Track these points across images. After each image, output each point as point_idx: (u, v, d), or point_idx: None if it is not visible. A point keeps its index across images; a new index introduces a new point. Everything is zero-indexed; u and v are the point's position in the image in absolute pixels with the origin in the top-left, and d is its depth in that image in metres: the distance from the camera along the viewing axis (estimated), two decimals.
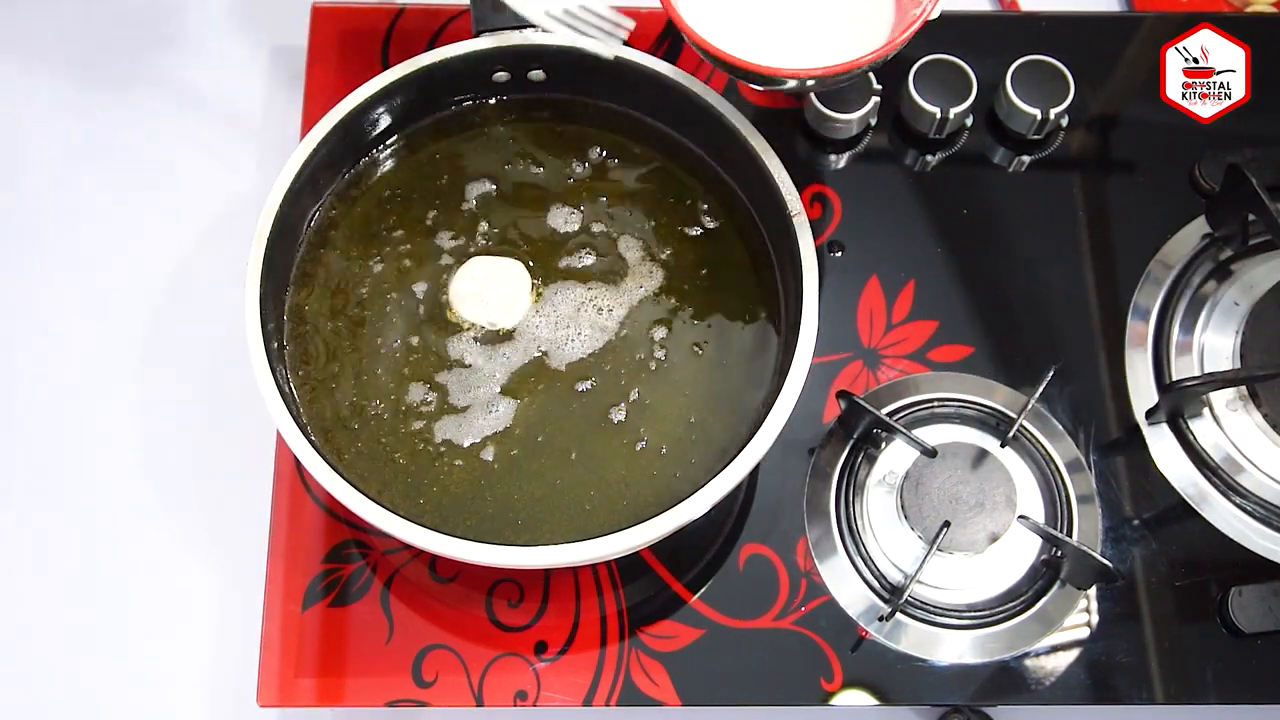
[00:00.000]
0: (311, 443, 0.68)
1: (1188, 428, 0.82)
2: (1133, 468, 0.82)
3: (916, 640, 0.78)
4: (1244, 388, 0.82)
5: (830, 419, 0.82)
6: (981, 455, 0.78)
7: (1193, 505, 0.81)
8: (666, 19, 0.91)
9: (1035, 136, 0.89)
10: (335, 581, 0.79)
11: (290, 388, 0.74)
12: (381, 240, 0.78)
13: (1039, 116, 0.87)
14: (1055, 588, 0.78)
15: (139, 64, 0.97)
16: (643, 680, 0.77)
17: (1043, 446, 0.82)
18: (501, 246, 0.79)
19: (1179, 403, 0.82)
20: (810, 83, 0.75)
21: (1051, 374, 0.80)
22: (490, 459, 0.74)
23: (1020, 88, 0.87)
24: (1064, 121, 0.89)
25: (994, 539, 0.76)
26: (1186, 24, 0.93)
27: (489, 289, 0.77)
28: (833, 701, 0.77)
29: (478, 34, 0.78)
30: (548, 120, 0.82)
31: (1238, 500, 0.81)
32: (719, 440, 0.74)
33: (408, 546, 0.67)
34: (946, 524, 0.76)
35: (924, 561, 0.76)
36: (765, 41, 0.75)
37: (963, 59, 0.87)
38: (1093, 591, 0.79)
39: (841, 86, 0.86)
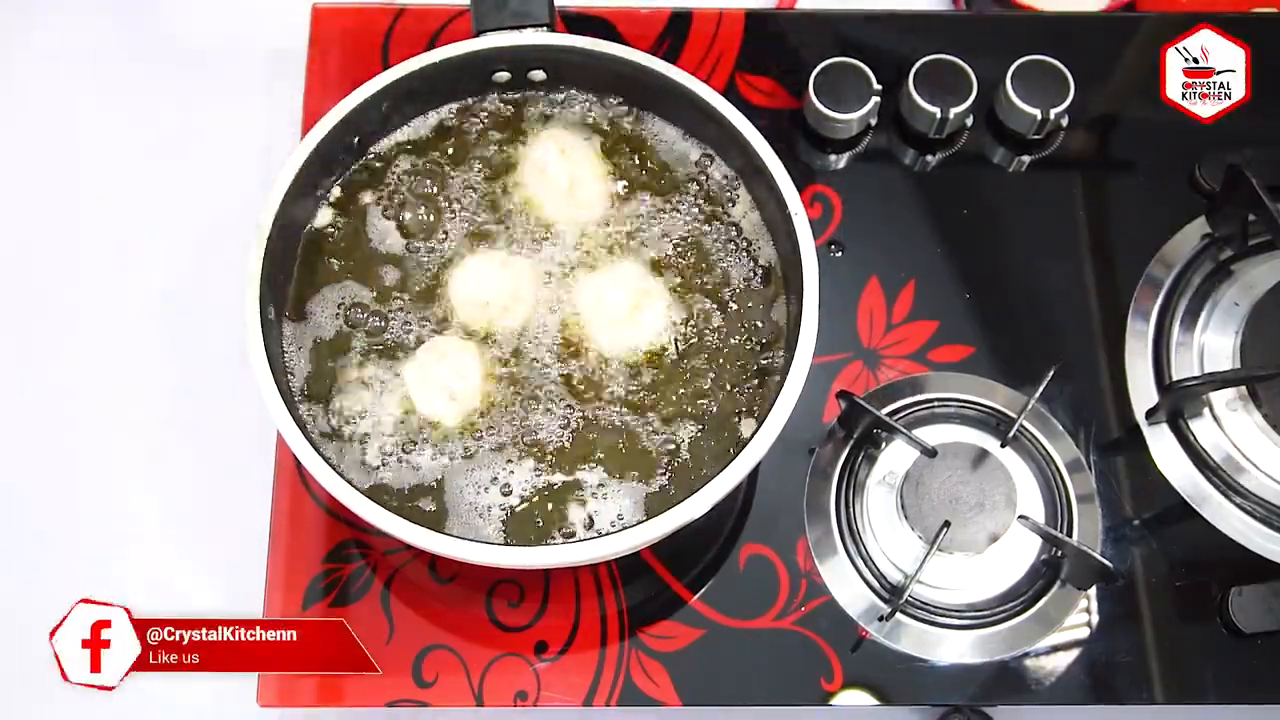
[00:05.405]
0: (311, 443, 0.68)
1: (1188, 428, 0.82)
2: (1133, 468, 0.82)
3: (916, 640, 0.78)
4: (1244, 388, 0.82)
5: (830, 419, 0.82)
6: (981, 455, 0.78)
7: (1193, 505, 0.81)
8: (666, 19, 0.92)
9: (1035, 136, 0.89)
10: (335, 581, 0.79)
11: (290, 387, 0.74)
12: (381, 240, 0.78)
13: (1039, 116, 0.87)
14: (1055, 588, 0.78)
15: (138, 64, 0.98)
16: (643, 680, 0.77)
17: (1043, 446, 0.82)
18: (503, 246, 0.78)
19: (1179, 403, 0.82)
20: None
21: (1051, 374, 0.80)
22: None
23: (1020, 88, 0.87)
24: (1064, 121, 0.89)
25: (994, 539, 0.76)
26: (1186, 24, 0.92)
27: (490, 289, 0.77)
28: (833, 701, 0.77)
29: (478, 34, 0.78)
30: (546, 118, 0.82)
31: (1238, 500, 0.81)
32: (718, 440, 0.74)
33: (408, 546, 0.67)
34: (946, 524, 0.76)
35: (924, 561, 0.76)
36: None
37: (963, 59, 0.87)
38: (1093, 591, 0.79)
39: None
